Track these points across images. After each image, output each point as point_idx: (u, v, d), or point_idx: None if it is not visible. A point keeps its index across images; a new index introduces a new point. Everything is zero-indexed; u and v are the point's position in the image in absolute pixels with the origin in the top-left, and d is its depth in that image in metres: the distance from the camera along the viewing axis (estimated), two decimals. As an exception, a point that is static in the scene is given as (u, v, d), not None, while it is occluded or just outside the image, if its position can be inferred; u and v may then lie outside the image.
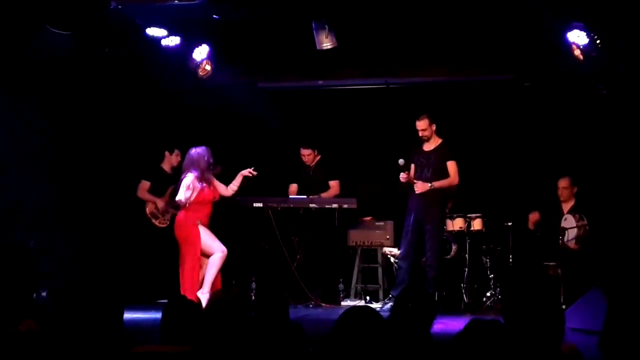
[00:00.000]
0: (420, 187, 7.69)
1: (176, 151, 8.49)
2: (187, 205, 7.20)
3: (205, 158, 7.23)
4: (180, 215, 7.31)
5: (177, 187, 7.35)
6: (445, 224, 8.08)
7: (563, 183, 7.86)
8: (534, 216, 7.95)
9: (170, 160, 8.55)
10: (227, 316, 2.76)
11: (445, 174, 7.75)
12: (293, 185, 8.79)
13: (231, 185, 7.47)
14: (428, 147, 7.86)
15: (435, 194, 7.71)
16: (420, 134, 7.81)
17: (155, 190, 8.42)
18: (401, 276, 7.72)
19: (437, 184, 7.69)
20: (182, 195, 7.16)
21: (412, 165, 7.87)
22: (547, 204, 8.07)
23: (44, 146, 7.69)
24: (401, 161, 7.75)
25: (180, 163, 8.22)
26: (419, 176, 7.79)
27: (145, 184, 8.43)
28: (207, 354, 2.78)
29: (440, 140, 7.86)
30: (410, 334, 3.31)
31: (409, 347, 3.16)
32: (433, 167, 7.76)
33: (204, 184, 7.26)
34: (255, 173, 7.43)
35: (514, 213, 8.32)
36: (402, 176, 7.76)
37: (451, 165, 7.74)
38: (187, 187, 7.17)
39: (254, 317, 3.28)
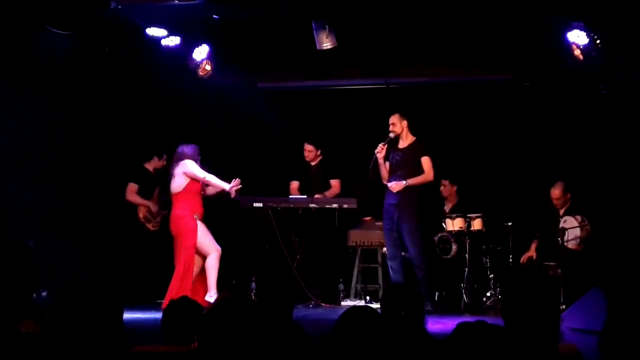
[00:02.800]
0: (395, 186, 7.63)
1: (165, 156, 8.50)
2: (179, 196, 7.24)
3: (191, 153, 7.31)
4: (175, 209, 7.31)
5: (168, 182, 7.38)
6: (419, 221, 7.76)
7: (555, 194, 7.87)
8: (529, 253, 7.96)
9: (155, 163, 8.55)
10: (229, 317, 2.76)
11: (420, 171, 7.70)
12: (294, 183, 8.80)
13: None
14: (402, 144, 7.82)
15: (409, 192, 7.63)
16: (390, 127, 7.76)
17: (142, 192, 8.40)
18: (394, 277, 7.70)
19: (411, 181, 7.61)
20: (199, 173, 7.22)
21: (387, 163, 7.82)
22: (545, 204, 8.08)
23: (43, 146, 7.70)
24: (392, 134, 7.71)
25: (164, 167, 8.29)
26: (394, 174, 7.73)
27: (133, 187, 8.41)
28: (208, 354, 2.78)
29: (414, 138, 7.80)
30: (406, 333, 3.32)
31: (409, 347, 3.16)
32: (407, 164, 7.70)
33: None
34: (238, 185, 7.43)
35: (514, 213, 8.32)
36: (379, 147, 7.69)
37: (425, 161, 7.65)
38: (197, 165, 7.26)
39: (257, 317, 3.28)
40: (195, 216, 7.23)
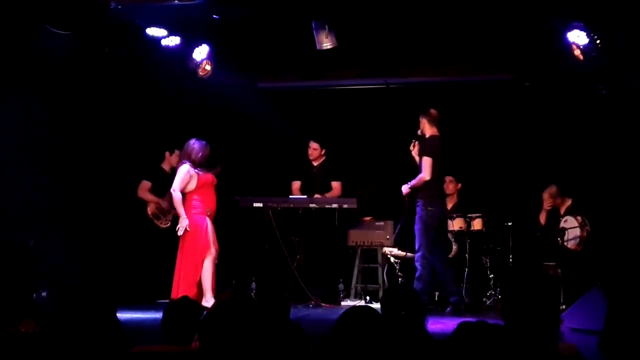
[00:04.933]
0: (403, 189, 7.68)
1: (176, 151, 8.49)
2: (189, 193, 7.28)
3: (200, 153, 7.36)
4: (187, 203, 7.34)
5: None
6: (424, 222, 7.61)
7: (545, 197, 7.94)
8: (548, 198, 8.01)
9: (169, 161, 8.55)
10: (229, 316, 2.76)
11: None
12: (296, 183, 8.80)
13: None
14: None
15: (416, 194, 7.63)
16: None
17: (156, 191, 8.41)
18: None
19: (411, 183, 7.62)
20: (177, 185, 7.29)
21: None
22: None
23: (44, 146, 7.69)
24: (419, 132, 7.76)
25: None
26: None
27: (146, 184, 8.42)
28: (208, 354, 2.78)
29: (426, 136, 7.75)
30: (406, 333, 3.32)
31: (409, 347, 3.16)
32: (418, 164, 7.73)
33: (199, 170, 7.38)
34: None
35: (514, 213, 8.32)
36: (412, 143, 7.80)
37: (422, 161, 7.61)
38: (183, 177, 7.30)
39: (255, 317, 3.28)
40: (207, 210, 7.30)
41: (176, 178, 7.34)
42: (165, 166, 8.57)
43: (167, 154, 8.57)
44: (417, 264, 7.55)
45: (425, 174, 7.54)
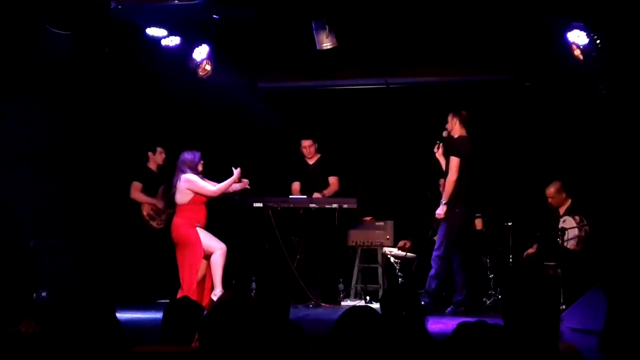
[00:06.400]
0: (438, 213, 7.61)
1: (159, 149, 8.49)
2: (183, 207, 7.23)
3: (191, 160, 7.28)
4: (177, 218, 7.28)
5: (172, 184, 7.35)
6: (449, 222, 7.56)
7: (549, 192, 7.93)
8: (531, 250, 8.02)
9: (155, 159, 8.52)
10: (229, 316, 2.76)
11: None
12: (296, 184, 8.80)
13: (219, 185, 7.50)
14: None
15: (440, 196, 7.63)
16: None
17: (146, 191, 8.39)
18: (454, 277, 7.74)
19: (444, 199, 7.55)
20: (207, 188, 7.24)
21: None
22: (545, 204, 8.09)
23: (44, 146, 7.70)
24: (444, 133, 7.71)
25: (166, 160, 8.27)
26: None
27: (137, 185, 8.39)
28: (207, 354, 2.78)
29: (455, 136, 7.71)
30: (406, 333, 3.32)
31: (409, 347, 3.17)
32: (443, 165, 7.72)
33: None
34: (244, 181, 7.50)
35: (514, 213, 8.32)
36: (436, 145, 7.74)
37: (450, 161, 7.58)
38: (201, 181, 7.25)
39: (255, 317, 3.28)
40: (196, 224, 7.22)
41: (202, 188, 7.21)
42: (152, 165, 8.54)
43: (150, 154, 8.54)
44: (433, 262, 7.54)
45: (452, 174, 7.50)
